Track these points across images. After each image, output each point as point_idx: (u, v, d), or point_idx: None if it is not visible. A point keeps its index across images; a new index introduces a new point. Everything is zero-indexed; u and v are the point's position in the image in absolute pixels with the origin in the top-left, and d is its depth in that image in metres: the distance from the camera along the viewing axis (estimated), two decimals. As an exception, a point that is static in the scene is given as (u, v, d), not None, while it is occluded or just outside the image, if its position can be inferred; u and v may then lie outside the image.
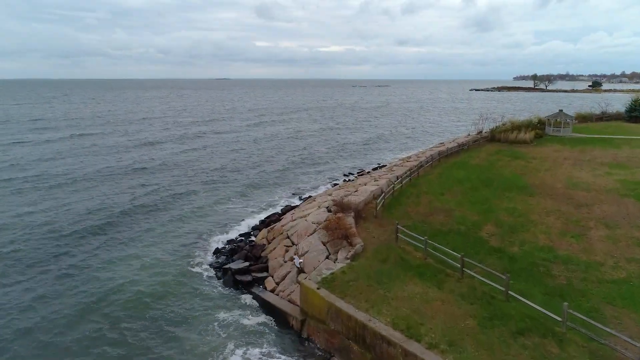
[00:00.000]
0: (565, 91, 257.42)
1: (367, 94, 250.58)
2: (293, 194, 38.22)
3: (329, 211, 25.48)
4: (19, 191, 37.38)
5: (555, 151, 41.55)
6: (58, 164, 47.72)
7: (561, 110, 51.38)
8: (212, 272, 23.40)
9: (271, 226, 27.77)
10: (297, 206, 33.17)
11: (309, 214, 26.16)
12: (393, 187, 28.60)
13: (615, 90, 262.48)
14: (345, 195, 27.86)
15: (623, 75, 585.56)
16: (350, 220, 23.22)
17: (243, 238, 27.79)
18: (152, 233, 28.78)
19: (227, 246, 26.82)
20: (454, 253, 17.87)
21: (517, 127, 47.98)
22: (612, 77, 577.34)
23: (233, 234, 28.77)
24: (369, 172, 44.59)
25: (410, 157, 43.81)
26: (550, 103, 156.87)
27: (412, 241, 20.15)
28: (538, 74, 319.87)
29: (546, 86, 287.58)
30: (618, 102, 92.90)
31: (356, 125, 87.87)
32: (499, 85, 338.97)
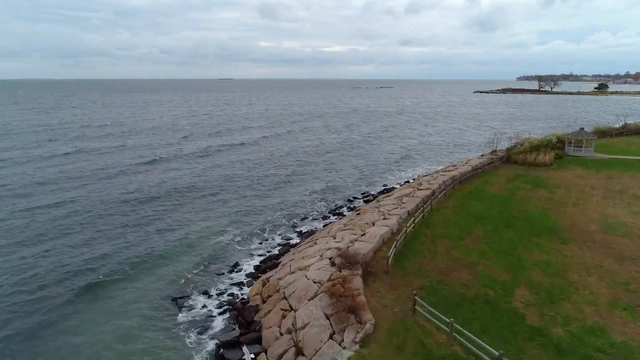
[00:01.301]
0: (571, 93, 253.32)
1: (380, 97, 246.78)
2: (293, 225, 34.86)
3: (333, 264, 22.12)
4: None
5: (580, 177, 37.99)
6: (47, 189, 44.47)
7: (582, 129, 47.84)
8: (194, 337, 20.13)
9: (267, 276, 24.42)
10: (296, 245, 29.85)
11: (309, 266, 22.77)
12: (405, 230, 25.16)
13: (622, 92, 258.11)
14: (351, 242, 24.46)
15: (627, 75, 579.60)
16: (357, 282, 19.81)
17: (234, 291, 24.40)
18: (131, 274, 25.55)
19: (216, 299, 23.51)
20: (489, 348, 14.40)
21: (536, 147, 44.42)
22: (616, 78, 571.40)
23: (224, 282, 25.44)
24: (376, 198, 41.19)
25: (423, 181, 40.32)
26: (559, 107, 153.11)
27: (432, 319, 16.74)
28: (541, 74, 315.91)
29: (551, 88, 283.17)
30: (631, 104, 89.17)
31: (375, 135, 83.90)
32: (503, 87, 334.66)
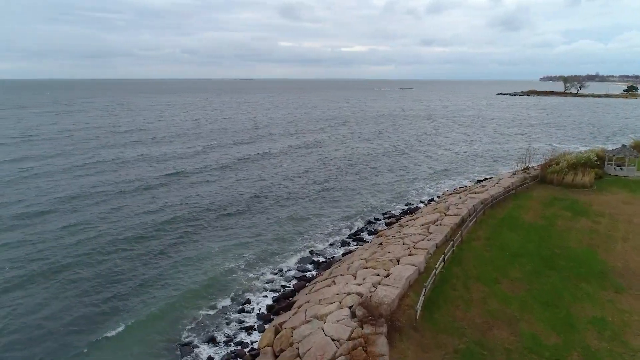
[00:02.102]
0: (599, 96, 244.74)
1: (404, 99, 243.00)
2: (311, 251, 32.47)
3: (354, 315, 19.65)
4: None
5: (625, 203, 34.54)
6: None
7: (624, 146, 44.18)
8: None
9: (280, 321, 22.06)
10: (312, 279, 27.46)
11: (327, 315, 20.32)
12: (435, 272, 22.49)
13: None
14: (374, 285, 21.92)
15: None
16: (382, 343, 17.27)
17: (244, 338, 22.13)
18: (134, 308, 23.53)
19: (223, 348, 21.30)
20: None
21: (572, 165, 41.00)
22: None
23: (234, 324, 23.21)
24: (398, 220, 38.51)
25: (450, 203, 37.46)
26: (588, 112, 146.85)
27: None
28: (566, 75, 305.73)
29: (577, 90, 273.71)
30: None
31: (407, 144, 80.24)
32: (528, 89, 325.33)
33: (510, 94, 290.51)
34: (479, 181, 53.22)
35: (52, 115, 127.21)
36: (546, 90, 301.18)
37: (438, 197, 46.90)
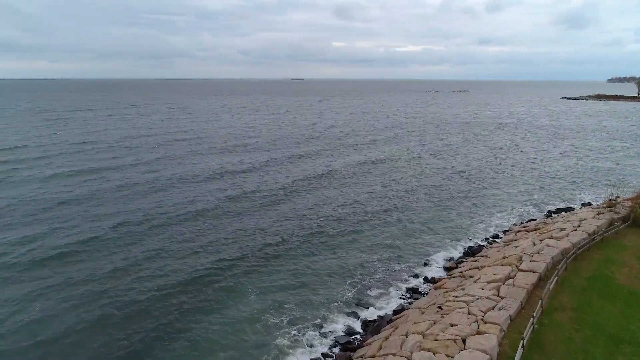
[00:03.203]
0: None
1: (465, 104, 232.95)
2: (358, 302, 28.63)
3: None
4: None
5: None
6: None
7: None
8: None
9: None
10: (360, 348, 23.64)
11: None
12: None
13: None
14: (435, 381, 17.78)
15: None
16: None
17: None
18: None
19: None
20: None
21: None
22: None
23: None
24: (458, 265, 33.89)
25: (523, 251, 32.31)
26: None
27: None
28: (636, 76, 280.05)
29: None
30: None
31: (483, 161, 73.24)
32: (594, 93, 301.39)
33: (577, 98, 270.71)
34: (551, 212, 47.16)
35: (114, 120, 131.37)
36: (616, 94, 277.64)
37: (504, 232, 41.49)
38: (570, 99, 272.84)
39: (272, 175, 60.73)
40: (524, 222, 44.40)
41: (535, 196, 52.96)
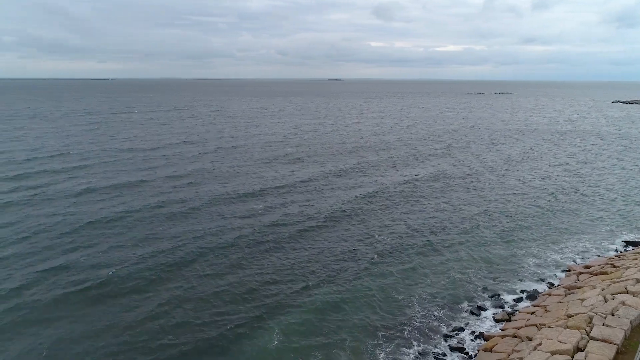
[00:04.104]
0: None
1: (513, 108, 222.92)
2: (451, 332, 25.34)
3: None
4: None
5: None
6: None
7: None
8: None
9: None
10: None
11: None
12: None
13: None
14: None
15: None
16: None
17: None
18: None
19: None
20: None
21: None
22: None
23: None
24: (511, 316, 29.79)
25: (591, 307, 27.91)
26: None
27: None
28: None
29: None
30: None
31: (550, 179, 66.57)
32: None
33: (630, 102, 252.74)
34: (628, 243, 41.82)
35: (154, 124, 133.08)
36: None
37: (565, 273, 36.76)
38: (623, 102, 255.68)
39: (314, 194, 57.45)
40: (587, 258, 39.48)
41: (605, 227, 47.27)
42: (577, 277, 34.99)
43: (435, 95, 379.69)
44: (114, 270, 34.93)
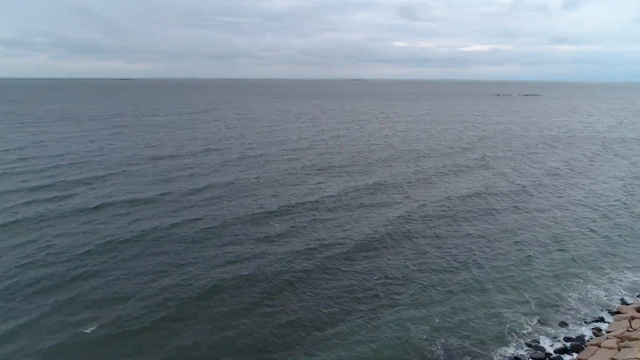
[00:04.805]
0: None
1: (548, 111, 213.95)
2: None
3: None
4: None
5: None
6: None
7: None
8: None
9: None
10: None
11: None
12: None
13: None
14: None
15: None
16: None
17: None
18: None
19: None
20: None
21: None
22: None
23: None
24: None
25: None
26: None
27: None
28: None
29: None
30: None
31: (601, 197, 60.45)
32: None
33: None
34: None
35: (176, 128, 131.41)
36: None
37: (613, 316, 31.59)
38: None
39: (342, 212, 52.73)
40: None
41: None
42: (630, 321, 29.76)
43: (462, 97, 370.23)
44: (123, 306, 31.63)
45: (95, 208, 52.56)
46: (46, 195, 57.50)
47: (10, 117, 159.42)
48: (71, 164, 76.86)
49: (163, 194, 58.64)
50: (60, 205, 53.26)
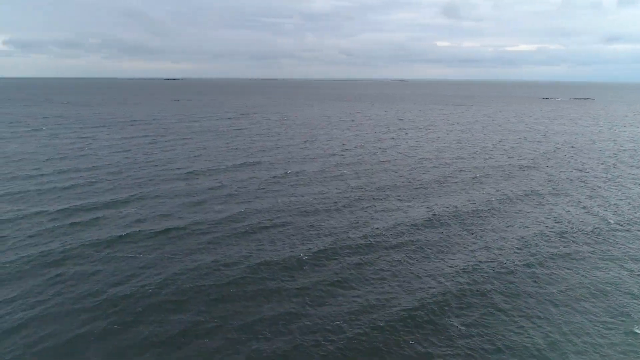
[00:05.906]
0: None
1: (616, 122, 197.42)
2: None
3: None
4: None
5: None
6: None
7: None
8: None
9: None
10: None
11: None
12: None
13: None
14: None
15: None
16: None
17: None
18: None
19: None
20: None
21: None
22: None
23: None
24: None
25: None
26: None
27: None
28: None
29: None
30: None
31: None
32: None
33: None
34: None
35: (215, 137, 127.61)
36: None
37: None
38: None
39: (400, 255, 45.61)
40: None
41: None
42: None
43: (509, 100, 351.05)
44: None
45: (119, 238, 47.46)
46: (73, 219, 53.23)
47: (60, 121, 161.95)
48: (104, 178, 73.20)
49: (195, 222, 52.73)
50: (81, 237, 48.42)
